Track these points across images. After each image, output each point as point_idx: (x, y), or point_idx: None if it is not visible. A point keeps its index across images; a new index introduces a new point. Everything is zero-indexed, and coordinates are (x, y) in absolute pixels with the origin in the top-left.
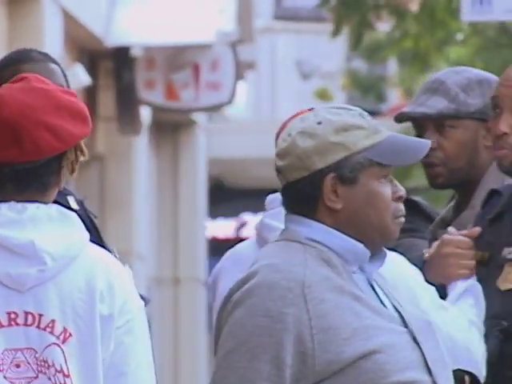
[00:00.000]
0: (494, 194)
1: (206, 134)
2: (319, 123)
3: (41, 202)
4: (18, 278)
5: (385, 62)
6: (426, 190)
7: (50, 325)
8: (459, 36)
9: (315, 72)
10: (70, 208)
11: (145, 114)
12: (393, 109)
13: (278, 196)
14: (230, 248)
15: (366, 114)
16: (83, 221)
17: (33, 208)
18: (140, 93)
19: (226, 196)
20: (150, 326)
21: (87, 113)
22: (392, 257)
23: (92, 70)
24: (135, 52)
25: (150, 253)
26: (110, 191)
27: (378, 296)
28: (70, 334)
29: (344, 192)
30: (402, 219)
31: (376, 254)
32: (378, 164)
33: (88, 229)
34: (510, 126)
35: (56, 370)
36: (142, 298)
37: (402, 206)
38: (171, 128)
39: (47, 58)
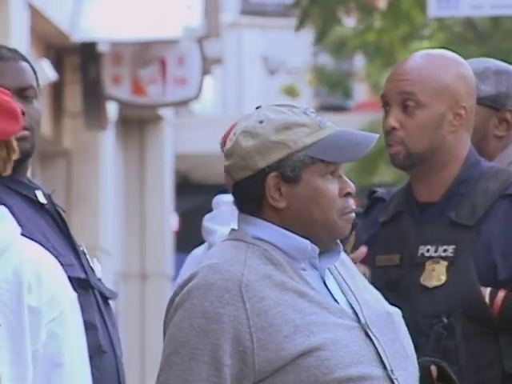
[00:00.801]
0: (376, 200)
1: (173, 129)
2: (261, 122)
3: None
4: None
5: (351, 57)
6: (392, 185)
7: None
8: (426, 31)
9: (282, 67)
10: (38, 202)
11: (111, 109)
12: (360, 104)
13: (222, 197)
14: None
15: (311, 110)
16: (51, 215)
17: None
18: (107, 88)
19: (193, 191)
20: (115, 321)
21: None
22: None
23: (58, 65)
24: (102, 47)
25: (116, 248)
26: (76, 186)
27: (330, 292)
28: None
29: (287, 191)
30: (352, 215)
31: (329, 250)
32: (322, 161)
33: (57, 223)
34: (397, 121)
35: None
36: (112, 292)
37: (351, 202)
38: (138, 123)
39: (17, 55)
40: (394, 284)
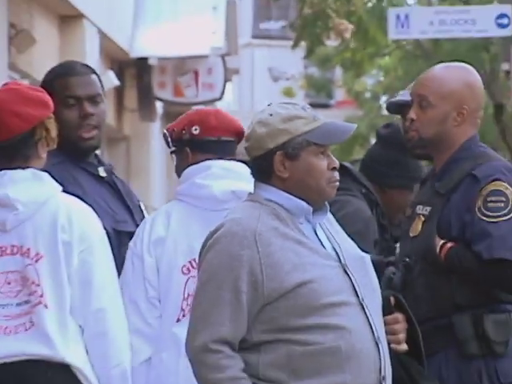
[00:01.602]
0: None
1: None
2: (271, 115)
3: (22, 168)
4: (2, 221)
5: (333, 69)
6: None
7: (27, 252)
8: (386, 50)
9: (282, 76)
10: (99, 176)
11: (158, 106)
12: (338, 102)
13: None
14: None
15: (307, 107)
16: (110, 185)
17: (11, 172)
18: (155, 91)
19: None
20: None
21: (46, 99)
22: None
23: (120, 74)
24: (152, 61)
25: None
26: (133, 162)
27: (320, 240)
28: (41, 256)
29: (289, 165)
30: (337, 183)
31: (319, 209)
32: (315, 144)
33: (114, 190)
34: (416, 114)
35: (32, 282)
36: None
37: (336, 174)
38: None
39: (88, 70)
40: (404, 231)
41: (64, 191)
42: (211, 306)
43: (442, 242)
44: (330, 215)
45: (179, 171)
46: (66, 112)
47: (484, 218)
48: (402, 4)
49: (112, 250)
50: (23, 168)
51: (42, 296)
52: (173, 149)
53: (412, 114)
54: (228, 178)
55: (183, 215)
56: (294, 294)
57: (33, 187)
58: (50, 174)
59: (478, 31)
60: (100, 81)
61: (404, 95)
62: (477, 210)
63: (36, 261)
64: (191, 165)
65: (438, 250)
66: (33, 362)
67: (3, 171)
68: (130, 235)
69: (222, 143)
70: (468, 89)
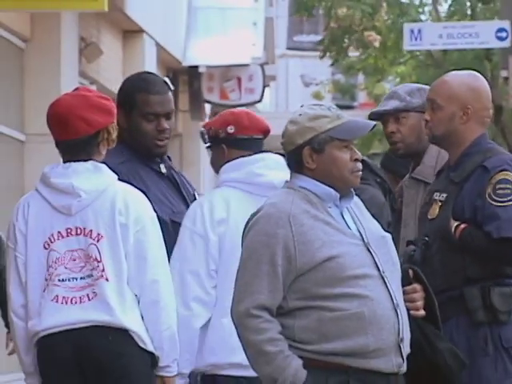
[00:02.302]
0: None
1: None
2: (300, 115)
3: (84, 161)
4: (68, 207)
5: (356, 75)
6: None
7: (90, 233)
8: (402, 59)
9: (312, 81)
10: (160, 172)
11: (207, 108)
12: (361, 104)
13: None
14: None
15: (333, 107)
16: (169, 179)
17: (75, 164)
18: (204, 95)
19: None
20: None
21: (110, 108)
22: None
23: (174, 80)
24: (201, 69)
25: None
26: (185, 156)
27: (346, 222)
28: (102, 236)
29: (316, 158)
30: (359, 173)
31: (346, 195)
32: (338, 139)
33: (173, 184)
34: (429, 116)
35: (94, 259)
36: None
37: (358, 165)
38: None
39: (167, 88)
40: (423, 214)
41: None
42: (252, 278)
43: (457, 223)
44: (358, 200)
45: (215, 164)
46: (144, 124)
47: (493, 203)
48: (416, 20)
49: (169, 237)
50: (85, 160)
51: (103, 271)
52: (208, 144)
53: (426, 116)
54: (277, 168)
55: (241, 200)
56: (323, 267)
57: (93, 177)
58: (116, 170)
59: (480, 43)
60: (172, 95)
61: (383, 105)
62: (487, 196)
63: (97, 241)
64: (228, 160)
65: (453, 230)
66: (95, 328)
67: (68, 163)
68: None
69: (254, 140)
70: (471, 91)
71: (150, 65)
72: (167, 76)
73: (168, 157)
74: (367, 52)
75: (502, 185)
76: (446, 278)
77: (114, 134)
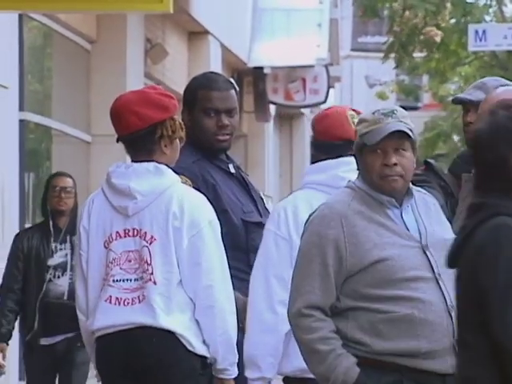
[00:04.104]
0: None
1: (310, 121)
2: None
3: (147, 161)
4: (125, 208)
5: (420, 76)
6: (446, 155)
7: (144, 235)
8: (467, 60)
9: (377, 82)
10: (229, 172)
11: (272, 109)
12: (425, 105)
13: None
14: None
15: (396, 110)
16: (238, 179)
17: (136, 165)
18: (269, 96)
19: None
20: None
21: (167, 104)
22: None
23: (239, 81)
24: (266, 70)
25: (275, 194)
26: (250, 157)
27: (404, 223)
28: (155, 239)
29: (359, 161)
30: (389, 178)
31: (406, 195)
32: (366, 144)
33: (242, 184)
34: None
35: (145, 262)
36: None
37: (388, 170)
38: (288, 118)
39: (229, 85)
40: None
41: (203, 182)
42: (304, 278)
43: None
44: (430, 201)
45: None
46: (205, 120)
47: None
48: (480, 21)
49: (239, 236)
50: (148, 161)
51: (152, 273)
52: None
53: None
54: None
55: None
56: (372, 269)
57: (153, 179)
58: (190, 169)
59: None
60: (236, 92)
61: (469, 94)
62: None
63: (150, 243)
64: (313, 161)
65: None
66: (141, 329)
67: (130, 163)
68: (255, 224)
69: (330, 146)
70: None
71: (215, 66)
72: (232, 77)
73: (235, 165)
74: (431, 54)
75: None
76: None
77: (178, 132)
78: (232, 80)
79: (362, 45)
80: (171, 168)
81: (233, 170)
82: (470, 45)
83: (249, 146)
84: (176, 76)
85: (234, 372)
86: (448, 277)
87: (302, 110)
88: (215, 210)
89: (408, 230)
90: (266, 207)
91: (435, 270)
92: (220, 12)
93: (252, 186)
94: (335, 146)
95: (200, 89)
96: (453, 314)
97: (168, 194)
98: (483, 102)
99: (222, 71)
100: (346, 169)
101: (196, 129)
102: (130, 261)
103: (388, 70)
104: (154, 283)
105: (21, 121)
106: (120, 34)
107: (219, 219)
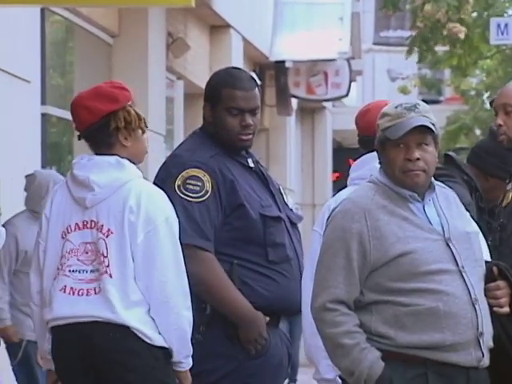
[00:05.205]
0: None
1: (331, 114)
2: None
3: (108, 155)
4: (83, 199)
5: (442, 70)
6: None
7: (101, 227)
8: (488, 53)
9: (399, 76)
10: (248, 166)
11: (294, 103)
12: (447, 99)
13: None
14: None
15: (419, 104)
16: (257, 173)
17: (98, 158)
18: (290, 90)
19: (344, 153)
20: (299, 237)
21: (116, 95)
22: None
23: (261, 75)
24: (288, 64)
25: (297, 188)
26: (272, 151)
27: (427, 216)
28: (112, 232)
29: (382, 155)
30: (411, 173)
31: (428, 189)
32: (389, 138)
33: (260, 178)
34: (502, 120)
35: (101, 254)
36: (298, 217)
37: (411, 165)
38: (310, 111)
39: (253, 84)
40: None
41: (221, 177)
42: (328, 272)
43: None
44: (451, 194)
45: None
46: (229, 119)
47: None
48: (502, 14)
49: (257, 231)
50: (110, 155)
51: (108, 266)
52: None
53: (499, 121)
54: None
55: None
56: (396, 263)
57: (113, 172)
58: (208, 164)
59: None
60: (259, 90)
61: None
62: None
63: (107, 236)
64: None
65: None
66: (98, 323)
67: (92, 156)
68: (273, 218)
69: (372, 142)
70: None
71: (237, 60)
72: (253, 71)
73: (254, 159)
74: (453, 49)
75: None
76: None
77: (135, 123)
78: (254, 75)
79: (384, 39)
80: (133, 161)
81: (252, 165)
82: (492, 38)
83: (270, 140)
84: (197, 70)
85: (188, 364)
86: (471, 269)
87: (324, 103)
88: (232, 205)
89: (431, 223)
90: (285, 201)
91: (459, 263)
92: (242, 6)
93: (271, 181)
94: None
95: (224, 87)
96: (477, 307)
97: (127, 188)
98: (500, 95)
99: (244, 65)
100: None
101: (218, 126)
102: (87, 252)
103: (410, 64)
104: (110, 276)
105: (43, 115)
106: (142, 28)
107: (236, 214)
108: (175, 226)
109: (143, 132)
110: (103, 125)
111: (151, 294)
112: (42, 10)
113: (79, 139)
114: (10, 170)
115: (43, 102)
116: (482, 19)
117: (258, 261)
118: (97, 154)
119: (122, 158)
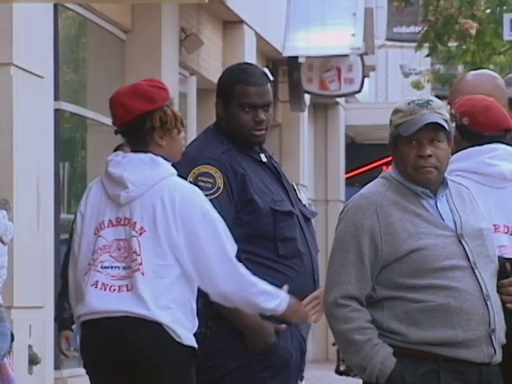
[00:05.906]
0: None
1: (344, 110)
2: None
3: (142, 152)
4: (117, 196)
5: (455, 66)
6: None
7: (134, 225)
8: (502, 49)
9: (412, 72)
10: (261, 161)
11: (307, 98)
12: None
13: None
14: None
15: (419, 102)
16: (270, 168)
17: (132, 155)
18: (304, 85)
19: (357, 149)
20: (313, 232)
21: (154, 95)
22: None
23: (274, 71)
24: (301, 60)
25: (310, 184)
26: (285, 146)
27: (439, 212)
28: (145, 230)
29: (393, 152)
30: (425, 170)
31: (441, 185)
32: (401, 135)
33: (273, 173)
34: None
35: (134, 252)
36: (312, 213)
37: (423, 161)
38: (323, 107)
39: (266, 80)
40: None
41: (232, 172)
42: (340, 268)
43: None
44: (464, 190)
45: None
46: (242, 115)
47: None
48: None
49: (268, 226)
50: (145, 152)
51: (140, 264)
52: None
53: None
54: (509, 160)
55: (472, 191)
56: (408, 259)
57: (147, 170)
58: (219, 160)
59: None
60: (271, 85)
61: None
62: None
63: (140, 234)
64: (458, 149)
65: None
66: (129, 319)
67: (127, 153)
68: (285, 213)
69: (487, 137)
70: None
71: (250, 55)
72: (266, 66)
73: (267, 154)
74: (465, 44)
75: None
76: None
77: (172, 123)
78: (267, 71)
79: (397, 35)
80: (168, 159)
81: (264, 160)
82: (505, 34)
83: (283, 136)
84: (210, 65)
85: (280, 306)
86: (484, 266)
87: (337, 99)
88: (242, 200)
89: (443, 219)
90: (298, 197)
91: (471, 259)
92: (255, 1)
93: (284, 176)
94: (491, 137)
95: (237, 83)
96: (489, 303)
97: (161, 186)
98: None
99: (257, 61)
100: (493, 155)
101: (232, 122)
102: (119, 249)
103: (423, 60)
104: (142, 274)
105: (56, 110)
106: (155, 23)
107: (246, 208)
108: (214, 217)
109: (179, 132)
110: (139, 123)
111: (207, 288)
112: (55, 6)
113: (115, 134)
114: (24, 166)
115: (56, 98)
116: (495, 15)
117: (269, 255)
118: (132, 150)
119: (157, 155)
